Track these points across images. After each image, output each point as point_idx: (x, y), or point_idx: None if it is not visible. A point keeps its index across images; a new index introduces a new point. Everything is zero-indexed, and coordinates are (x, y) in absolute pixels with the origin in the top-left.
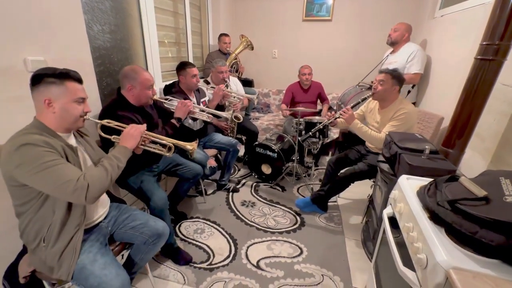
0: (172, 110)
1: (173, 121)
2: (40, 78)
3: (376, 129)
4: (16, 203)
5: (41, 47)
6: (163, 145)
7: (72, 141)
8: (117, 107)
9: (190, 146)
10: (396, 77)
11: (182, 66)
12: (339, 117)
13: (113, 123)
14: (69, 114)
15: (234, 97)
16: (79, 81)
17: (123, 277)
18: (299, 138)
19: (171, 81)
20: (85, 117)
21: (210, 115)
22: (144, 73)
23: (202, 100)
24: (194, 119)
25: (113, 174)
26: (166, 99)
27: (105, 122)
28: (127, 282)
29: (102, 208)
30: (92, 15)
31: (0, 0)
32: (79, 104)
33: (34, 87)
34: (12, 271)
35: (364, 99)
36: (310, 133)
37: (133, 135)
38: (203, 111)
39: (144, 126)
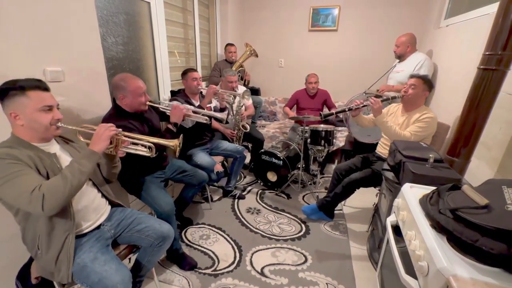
0: (169, 114)
1: (170, 126)
2: (5, 92)
3: None
4: (11, 212)
5: (59, 58)
6: (146, 146)
7: (53, 148)
8: (112, 117)
9: (172, 143)
10: (428, 82)
11: (185, 72)
12: (367, 105)
13: (89, 127)
14: (37, 123)
15: (228, 95)
16: (44, 89)
17: (123, 272)
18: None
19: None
20: (58, 124)
21: (207, 117)
22: (134, 81)
23: (207, 105)
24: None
25: (74, 181)
26: (159, 104)
27: (79, 128)
28: (127, 278)
29: (95, 214)
30: (106, 28)
31: (23, 15)
32: (47, 113)
33: (1, 103)
34: (24, 272)
35: (394, 98)
36: (333, 112)
37: (101, 137)
38: (197, 113)
39: (122, 128)
